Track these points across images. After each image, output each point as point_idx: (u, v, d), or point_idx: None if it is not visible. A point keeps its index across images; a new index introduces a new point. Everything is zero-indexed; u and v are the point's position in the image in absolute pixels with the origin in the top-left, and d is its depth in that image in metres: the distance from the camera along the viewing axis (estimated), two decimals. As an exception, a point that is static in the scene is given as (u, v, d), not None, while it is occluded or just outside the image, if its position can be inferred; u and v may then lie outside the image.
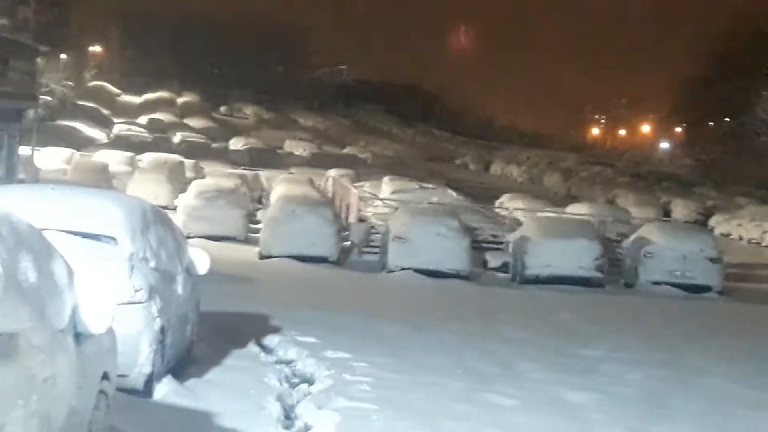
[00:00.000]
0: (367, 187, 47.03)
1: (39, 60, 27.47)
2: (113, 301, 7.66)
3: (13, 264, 6.35)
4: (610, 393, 13.33)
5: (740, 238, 52.04)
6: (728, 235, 51.60)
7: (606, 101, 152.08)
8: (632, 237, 31.34)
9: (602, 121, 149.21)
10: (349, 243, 31.89)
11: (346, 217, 36.21)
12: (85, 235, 10.45)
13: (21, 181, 19.99)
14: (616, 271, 29.61)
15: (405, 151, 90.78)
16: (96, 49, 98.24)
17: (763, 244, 50.85)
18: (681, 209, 59.42)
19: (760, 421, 12.39)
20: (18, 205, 8.64)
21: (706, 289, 28.13)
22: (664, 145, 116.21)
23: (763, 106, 71.46)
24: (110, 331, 7.88)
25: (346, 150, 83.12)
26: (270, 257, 28.36)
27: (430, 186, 48.59)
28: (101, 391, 7.83)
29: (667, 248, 29.11)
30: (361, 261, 30.28)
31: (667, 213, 56.93)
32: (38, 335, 6.53)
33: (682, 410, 12.68)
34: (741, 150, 78.31)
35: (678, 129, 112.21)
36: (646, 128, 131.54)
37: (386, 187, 46.92)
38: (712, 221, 55.34)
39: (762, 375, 15.72)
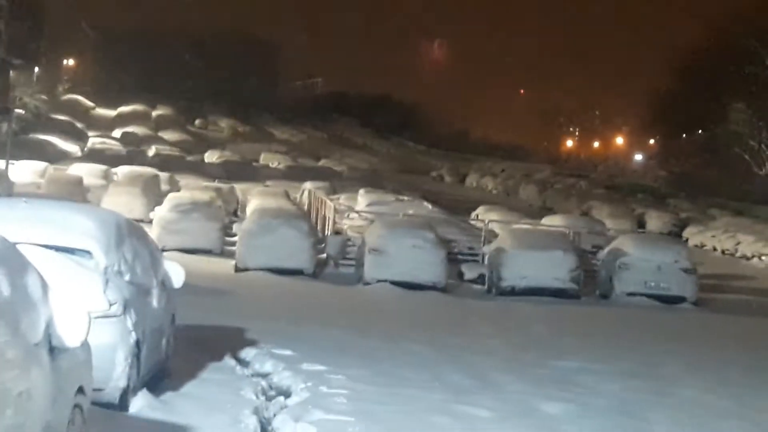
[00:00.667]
0: (342, 199, 47.28)
1: (11, 73, 27.42)
2: (88, 315, 7.62)
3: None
4: (586, 404, 13.35)
5: (714, 249, 52.39)
6: (702, 246, 51.96)
7: (580, 113, 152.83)
8: (607, 248, 31.48)
9: (576, 133, 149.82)
10: (324, 255, 31.91)
11: (322, 230, 36.32)
12: (59, 249, 10.42)
13: (-5, 194, 19.90)
14: (591, 282, 29.66)
15: (380, 164, 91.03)
16: (69, 62, 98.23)
17: (737, 255, 51.15)
18: (655, 221, 59.76)
19: (734, 431, 12.48)
20: (-8, 217, 8.59)
21: (681, 300, 28.26)
22: (638, 157, 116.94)
23: (734, 118, 71.82)
24: (85, 345, 7.85)
25: (322, 162, 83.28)
26: (246, 270, 28.35)
27: (405, 198, 48.80)
28: (76, 405, 7.82)
29: (641, 259, 29.24)
30: (337, 273, 30.28)
31: (641, 224, 57.23)
32: (12, 349, 6.50)
33: (657, 421, 12.70)
34: (714, 162, 78.79)
35: (651, 141, 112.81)
36: (619, 140, 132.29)
37: (362, 199, 47.17)
38: (686, 233, 55.74)
39: (736, 385, 15.76)
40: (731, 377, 16.59)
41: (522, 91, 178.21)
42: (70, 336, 7.36)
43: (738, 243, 53.29)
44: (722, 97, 75.09)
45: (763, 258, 49.43)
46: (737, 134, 70.52)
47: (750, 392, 15.23)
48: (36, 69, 72.55)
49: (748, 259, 50.22)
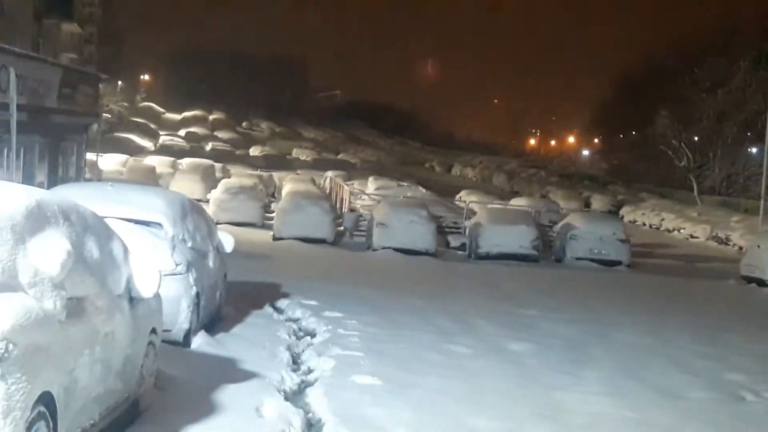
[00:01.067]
0: (356, 184, 47.05)
1: (101, 86, 27.29)
2: (159, 273, 7.66)
3: (80, 244, 6.34)
4: (544, 343, 13.43)
5: (643, 224, 52.42)
6: (634, 221, 51.97)
7: (541, 118, 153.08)
8: (560, 223, 31.43)
9: (537, 133, 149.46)
10: (342, 228, 31.90)
11: (340, 208, 36.22)
12: (137, 222, 10.46)
13: (87, 180, 19.85)
14: (548, 249, 29.63)
15: (385, 157, 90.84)
16: (145, 77, 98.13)
17: (661, 228, 51.18)
18: (598, 202, 59.92)
19: (655, 363, 12.59)
20: (85, 198, 8.60)
21: (618, 263, 28.29)
22: (585, 152, 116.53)
23: (660, 122, 71.65)
24: (157, 296, 7.92)
25: (340, 156, 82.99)
26: (281, 239, 28.33)
27: (404, 184, 48.68)
28: (150, 343, 7.92)
29: (587, 232, 29.26)
30: (351, 242, 30.27)
31: (587, 205, 57.27)
32: (100, 299, 6.54)
33: (598, 356, 12.80)
34: (644, 157, 78.69)
35: (596, 140, 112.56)
36: (571, 139, 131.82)
37: (371, 184, 47.14)
38: (622, 211, 55.76)
39: (659, 329, 15.80)
40: (657, 322, 16.65)
41: (496, 101, 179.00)
42: (145, 289, 7.41)
43: (662, 219, 53.25)
44: (650, 106, 74.91)
45: (681, 231, 49.48)
46: (662, 135, 70.35)
47: (671, 334, 15.29)
48: (119, 83, 72.52)
49: (669, 231, 50.22)
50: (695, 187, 66.29)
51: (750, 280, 25.55)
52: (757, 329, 16.75)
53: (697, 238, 47.11)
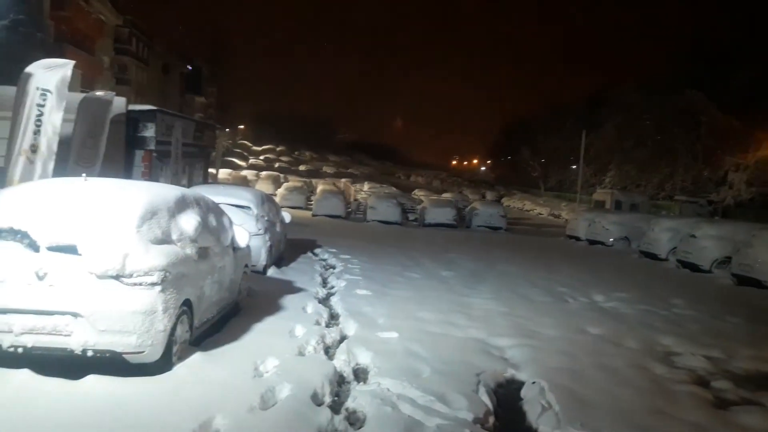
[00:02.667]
0: (358, 186, 47.12)
1: (216, 131, 27.13)
2: (249, 234, 7.64)
3: (205, 218, 6.33)
4: (458, 272, 13.39)
5: (514, 208, 52.59)
6: (509, 206, 52.08)
7: (460, 146, 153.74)
8: (469, 206, 31.53)
9: (457, 157, 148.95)
10: (350, 209, 31.87)
11: (349, 199, 36.23)
12: (237, 206, 10.43)
13: (208, 183, 19.69)
14: (462, 221, 29.66)
15: (374, 171, 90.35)
16: (241, 126, 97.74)
17: (524, 210, 51.34)
18: (490, 195, 59.91)
19: (519, 282, 12.47)
20: (208, 192, 8.58)
21: (500, 228, 28.31)
22: (483, 168, 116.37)
23: (523, 152, 71.87)
24: (248, 246, 7.91)
25: (349, 170, 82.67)
26: (316, 216, 28.25)
27: (384, 186, 48.76)
28: (245, 272, 7.96)
29: (483, 211, 29.30)
30: (355, 217, 30.23)
31: (484, 196, 57.19)
32: (217, 248, 6.54)
33: (489, 279, 12.74)
34: (514, 170, 79.22)
35: (488, 161, 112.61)
36: (475, 161, 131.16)
37: (366, 186, 47.31)
38: (503, 200, 55.84)
39: (521, 263, 15.74)
40: (519, 260, 16.64)
41: (437, 138, 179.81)
42: (241, 242, 7.42)
43: (524, 204, 53.50)
44: (518, 142, 75.12)
45: (534, 211, 49.70)
46: (524, 158, 70.76)
47: (527, 266, 15.25)
48: (227, 129, 72.08)
49: (528, 211, 50.45)
50: (542, 186, 66.59)
51: (571, 237, 25.75)
52: (576, 263, 16.82)
53: (542, 215, 47.37)
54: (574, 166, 56.27)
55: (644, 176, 50.96)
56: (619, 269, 16.17)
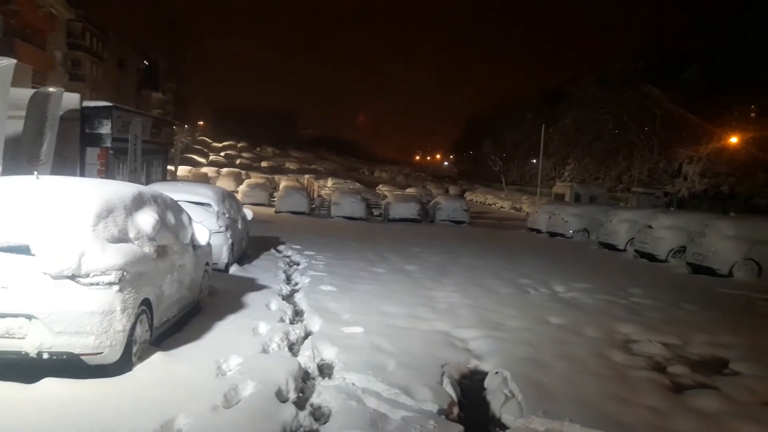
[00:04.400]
0: (321, 182, 46.87)
1: (174, 128, 26.63)
2: (209, 231, 7.52)
3: (163, 215, 6.21)
4: (423, 266, 13.45)
5: (477, 201, 53.09)
6: (472, 200, 52.52)
7: (424, 143, 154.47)
8: (433, 201, 31.64)
9: (420, 152, 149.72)
10: (314, 206, 31.68)
11: (313, 195, 35.99)
12: (197, 203, 10.26)
13: (167, 181, 19.32)
14: (426, 215, 29.76)
15: (337, 167, 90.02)
16: (201, 122, 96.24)
17: (486, 204, 51.89)
18: (453, 190, 60.29)
19: (483, 274, 12.56)
20: (167, 190, 8.42)
21: (463, 222, 28.51)
22: (446, 163, 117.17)
23: (485, 146, 72.62)
24: (209, 244, 7.79)
25: (313, 166, 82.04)
26: (279, 212, 28.01)
27: (348, 181, 48.58)
28: (206, 270, 7.81)
29: (447, 205, 29.48)
30: (319, 214, 30.03)
31: (447, 191, 57.58)
32: (176, 246, 6.42)
33: (454, 272, 12.85)
34: (477, 165, 79.94)
35: (451, 156, 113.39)
36: (438, 156, 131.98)
37: (330, 182, 46.96)
38: (466, 194, 56.27)
39: (484, 255, 15.89)
40: (483, 252, 16.79)
41: (401, 134, 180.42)
42: (201, 239, 7.29)
43: (486, 198, 54.05)
44: (480, 137, 75.92)
45: (496, 204, 50.29)
46: (486, 153, 71.42)
47: (491, 258, 15.42)
48: (186, 126, 70.88)
49: (490, 205, 50.99)
50: (504, 181, 67.35)
51: (532, 229, 26.12)
52: (537, 255, 17.07)
53: (504, 208, 47.94)
54: (534, 160, 57.08)
55: (602, 169, 52.08)
56: (579, 260, 16.47)
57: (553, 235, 23.86)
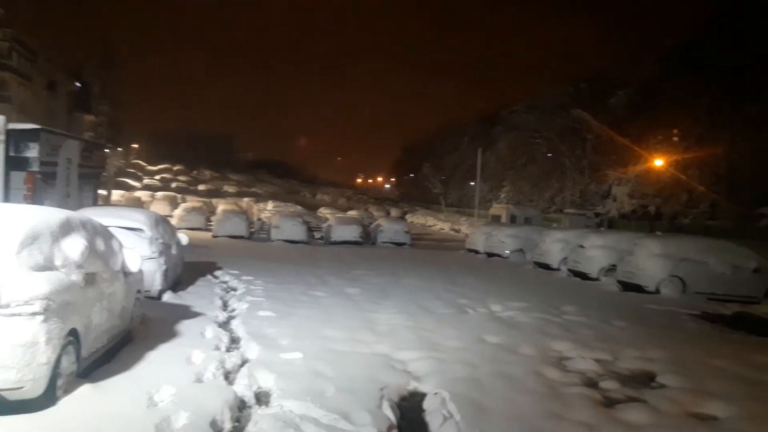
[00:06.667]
0: (261, 205, 46.34)
1: (107, 151, 25.82)
2: (141, 257, 7.29)
3: (93, 241, 5.99)
4: (365, 288, 13.45)
5: (417, 224, 53.60)
6: (413, 222, 53.06)
7: (365, 166, 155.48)
8: (375, 223, 31.75)
9: (362, 175, 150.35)
10: (254, 229, 31.23)
11: (252, 218, 35.48)
12: (129, 229, 9.94)
13: (98, 205, 18.67)
14: (368, 237, 29.82)
15: (278, 190, 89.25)
16: (135, 145, 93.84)
17: (426, 225, 52.43)
18: (394, 212, 60.75)
19: (423, 295, 12.66)
20: (97, 215, 8.13)
21: (404, 244, 28.73)
22: (387, 185, 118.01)
23: (425, 170, 73.69)
24: (140, 270, 7.55)
25: (252, 189, 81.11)
26: (217, 237, 27.49)
27: (289, 204, 48.27)
28: (137, 298, 7.53)
29: (388, 228, 29.64)
30: (259, 237, 29.63)
31: (388, 213, 57.92)
32: (106, 273, 6.19)
33: (395, 293, 12.89)
34: (417, 188, 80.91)
35: (392, 179, 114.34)
36: (380, 179, 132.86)
37: (270, 205, 46.55)
38: (407, 216, 56.77)
39: (426, 276, 16.03)
40: (424, 273, 16.89)
41: (339, 158, 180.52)
42: (133, 266, 7.05)
43: (427, 220, 54.65)
44: (420, 161, 77.00)
45: (436, 226, 50.89)
46: (426, 176, 72.46)
47: (431, 279, 15.53)
48: (119, 149, 68.91)
49: (431, 227, 51.59)
50: (443, 202, 68.37)
51: (471, 250, 26.54)
52: (475, 275, 17.32)
53: (444, 230, 48.60)
54: (472, 183, 58.26)
55: (536, 191, 53.69)
56: (515, 280, 16.83)
57: (490, 255, 24.31)
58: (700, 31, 37.66)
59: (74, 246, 5.46)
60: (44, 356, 4.65)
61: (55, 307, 4.78)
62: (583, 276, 17.43)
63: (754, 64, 32.39)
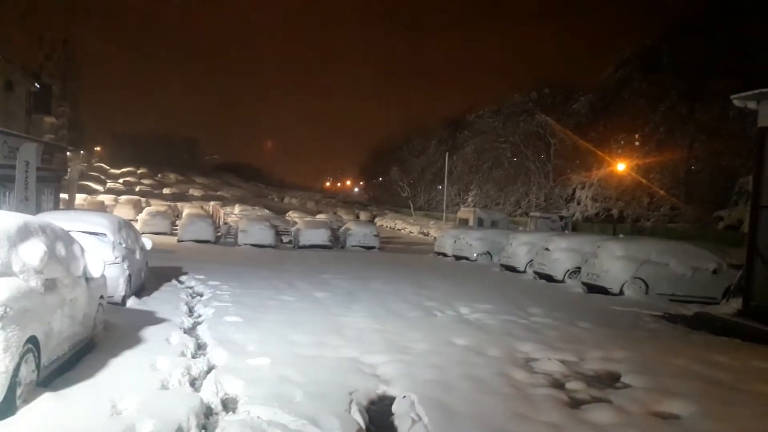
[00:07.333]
0: (228, 209, 45.84)
1: (68, 154, 25.31)
2: (104, 262, 7.13)
3: (52, 246, 5.84)
4: (333, 292, 13.42)
5: (386, 227, 53.63)
6: (382, 225, 53.15)
7: (334, 170, 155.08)
8: (344, 227, 31.68)
9: (330, 178, 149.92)
10: (220, 234, 30.84)
11: (218, 222, 35.07)
12: (91, 233, 9.73)
13: (59, 210, 18.25)
14: (337, 241, 29.75)
15: (245, 193, 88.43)
16: (97, 148, 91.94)
17: (396, 229, 52.51)
18: (363, 215, 60.84)
19: (391, 298, 12.70)
20: (58, 219, 7.93)
21: (373, 248, 28.79)
22: (356, 189, 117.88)
23: (393, 173, 73.90)
24: (103, 276, 7.39)
25: (219, 193, 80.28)
26: (182, 241, 27.07)
27: (256, 208, 47.83)
28: (100, 304, 7.37)
29: (357, 231, 29.63)
30: (226, 242, 29.30)
31: (358, 217, 57.88)
32: (67, 279, 6.04)
33: (363, 297, 12.90)
34: (386, 191, 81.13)
35: (361, 182, 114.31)
36: (348, 182, 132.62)
37: (237, 208, 46.22)
38: (376, 220, 56.88)
39: (394, 280, 16.05)
40: (392, 277, 16.93)
41: (311, 160, 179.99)
42: (95, 271, 6.89)
43: (396, 224, 54.73)
44: (388, 164, 77.21)
45: (405, 230, 50.99)
46: (395, 179, 72.62)
47: (399, 283, 15.57)
48: (81, 152, 67.38)
49: (400, 230, 51.66)
50: (412, 206, 68.63)
51: (439, 253, 26.68)
52: (444, 278, 17.42)
53: (413, 233, 48.74)
54: (440, 186, 58.67)
55: (503, 195, 54.30)
56: (482, 282, 16.98)
57: (458, 258, 24.49)
58: (657, 38, 38.64)
59: (33, 251, 5.30)
60: (2, 365, 4.51)
61: (12, 314, 4.64)
62: (549, 278, 17.68)
63: (709, 71, 33.38)
